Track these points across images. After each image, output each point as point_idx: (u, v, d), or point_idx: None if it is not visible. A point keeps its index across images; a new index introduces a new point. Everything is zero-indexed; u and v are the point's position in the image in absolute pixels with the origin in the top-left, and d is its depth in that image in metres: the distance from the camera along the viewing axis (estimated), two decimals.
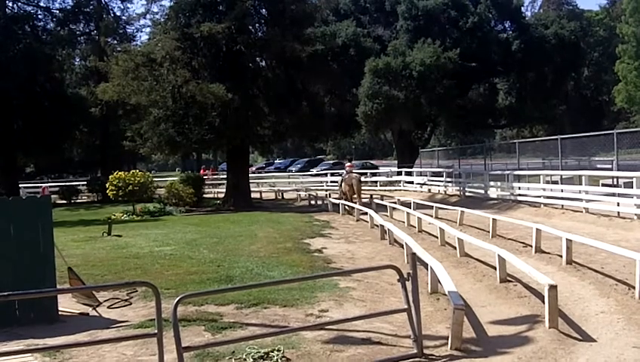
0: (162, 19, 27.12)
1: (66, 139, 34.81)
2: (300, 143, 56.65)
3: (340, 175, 28.12)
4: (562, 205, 17.92)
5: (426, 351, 5.80)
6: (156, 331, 5.18)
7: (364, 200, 23.12)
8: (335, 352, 5.94)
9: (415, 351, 5.78)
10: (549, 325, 6.39)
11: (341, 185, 23.74)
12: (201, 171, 41.91)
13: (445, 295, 7.20)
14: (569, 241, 9.96)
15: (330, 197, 25.81)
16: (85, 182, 37.80)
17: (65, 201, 34.42)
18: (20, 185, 35.10)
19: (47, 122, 30.06)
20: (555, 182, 19.99)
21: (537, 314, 6.96)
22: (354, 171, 25.11)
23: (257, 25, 27.40)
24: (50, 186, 37.08)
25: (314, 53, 26.31)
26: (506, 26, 36.57)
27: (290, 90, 26.31)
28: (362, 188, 23.82)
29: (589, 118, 45.23)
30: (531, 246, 11.52)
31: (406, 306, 5.92)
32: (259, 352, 5.79)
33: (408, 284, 5.89)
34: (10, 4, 33.82)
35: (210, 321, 7.01)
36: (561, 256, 10.10)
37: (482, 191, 24.75)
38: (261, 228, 16.99)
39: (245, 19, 25.33)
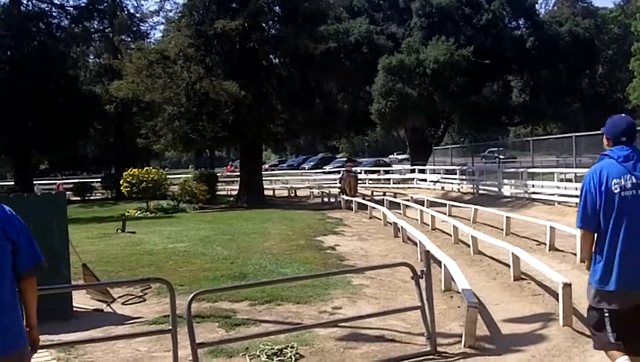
0: (176, 17, 27.24)
1: (80, 137, 35.00)
2: (313, 141, 56.62)
3: (340, 173, 31.82)
4: (576, 203, 17.76)
5: (439, 349, 5.78)
6: (170, 327, 5.20)
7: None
8: (348, 349, 5.94)
9: (429, 348, 5.76)
10: (563, 323, 6.34)
11: (341, 182, 27.49)
12: (229, 167, 41.82)
13: (459, 293, 7.18)
14: None
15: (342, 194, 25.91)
16: (99, 179, 38.03)
17: (79, 198, 34.65)
18: (35, 182, 35.39)
19: (61, 119, 30.24)
20: (570, 180, 19.85)
21: (551, 312, 6.91)
22: (352, 170, 29.23)
23: (271, 22, 27.44)
24: (65, 183, 37.35)
25: (327, 51, 26.30)
26: (520, 23, 36.30)
27: (303, 88, 26.33)
28: (375, 185, 25.13)
29: (604, 116, 44.59)
30: (545, 244, 11.45)
31: (419, 304, 5.90)
32: (272, 349, 5.79)
33: (422, 282, 5.87)
34: (25, 1, 34.05)
35: (223, 318, 7.03)
36: (575, 254, 10.02)
37: (496, 189, 24.64)
38: (274, 225, 17.01)
39: (259, 17, 25.35)
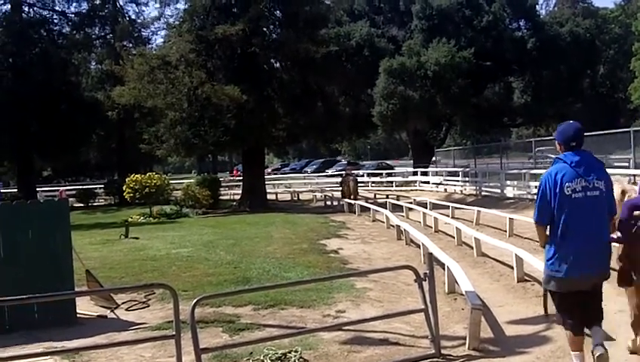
0: (177, 22, 27.28)
1: (83, 143, 35.05)
2: (315, 144, 56.70)
3: (341, 176, 32.76)
4: None
5: (443, 351, 5.78)
6: (174, 333, 5.21)
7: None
8: (352, 353, 5.94)
9: (433, 351, 5.76)
10: None
11: (342, 185, 28.02)
12: (235, 172, 41.86)
13: (462, 295, 7.17)
14: None
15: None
16: (102, 185, 38.07)
17: (82, 204, 34.65)
18: (38, 189, 35.43)
19: (63, 126, 30.29)
20: None
21: (555, 314, 6.90)
22: (352, 173, 30.52)
23: (272, 26, 27.46)
24: (68, 189, 37.37)
25: (328, 54, 26.32)
26: (521, 24, 36.33)
27: (304, 91, 26.34)
28: (378, 188, 25.59)
29: (606, 116, 44.69)
30: None
31: (423, 306, 5.90)
32: (276, 353, 5.80)
33: (425, 284, 5.87)
34: (27, 8, 34.18)
35: (227, 322, 7.03)
36: None
37: (499, 191, 24.62)
38: (277, 229, 17.00)
39: (260, 21, 25.39)
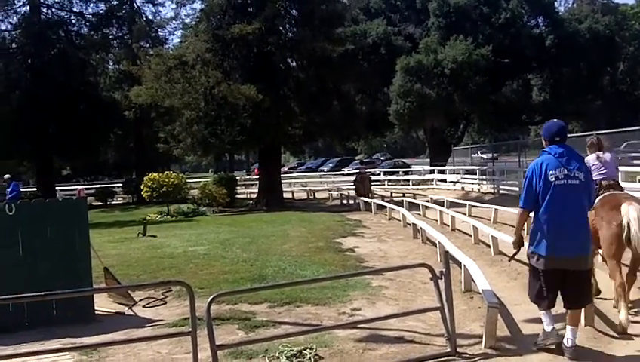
0: (193, 22, 27.40)
1: (101, 142, 35.38)
2: (331, 143, 56.73)
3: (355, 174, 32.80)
4: None
5: (459, 350, 5.75)
6: (190, 329, 5.24)
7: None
8: (368, 351, 5.93)
9: (448, 349, 5.74)
10: (584, 323, 6.26)
11: (355, 184, 28.34)
12: (256, 171, 41.93)
13: (479, 293, 7.13)
14: None
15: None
16: (121, 184, 38.35)
17: (101, 203, 34.96)
18: (57, 188, 35.79)
19: (82, 125, 30.59)
20: None
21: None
22: (365, 171, 30.58)
23: (288, 25, 27.46)
24: (87, 188, 37.69)
25: (344, 53, 26.32)
26: (539, 21, 36.05)
27: (320, 90, 26.32)
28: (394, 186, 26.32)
29: (626, 113, 44.22)
30: None
31: (439, 304, 5.88)
32: (292, 350, 5.81)
33: (441, 283, 5.85)
34: (45, 10, 34.53)
35: (243, 320, 7.06)
36: (598, 253, 9.88)
37: (517, 189, 24.43)
38: (293, 227, 17.02)
39: (276, 20, 25.41)
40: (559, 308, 5.72)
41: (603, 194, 6.92)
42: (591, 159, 7.25)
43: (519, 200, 5.74)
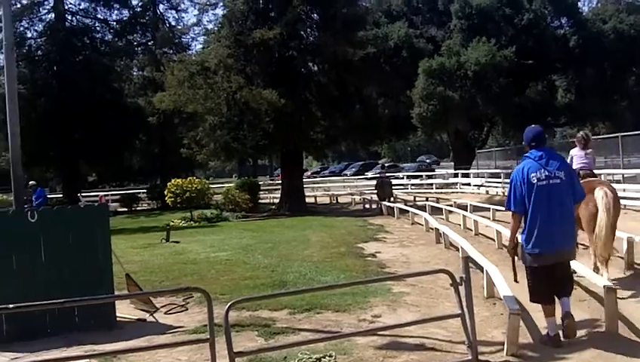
0: (215, 28, 27.58)
1: (126, 148, 35.76)
2: (354, 147, 56.64)
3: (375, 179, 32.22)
4: (624, 205, 17.23)
5: (481, 357, 5.66)
6: (209, 336, 5.23)
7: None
8: (388, 358, 5.87)
9: (469, 357, 5.64)
10: (607, 329, 6.15)
11: (376, 188, 27.57)
12: (279, 176, 42.10)
13: (502, 299, 7.03)
14: (630, 243, 9.55)
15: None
16: (145, 190, 38.67)
17: (126, 209, 35.27)
18: (83, 194, 36.20)
19: (107, 132, 30.95)
20: (617, 181, 19.29)
21: (597, 319, 6.71)
22: (384, 176, 29.84)
23: (309, 30, 27.51)
24: (112, 194, 38.09)
25: (366, 56, 26.26)
26: (563, 21, 35.65)
27: (342, 94, 26.31)
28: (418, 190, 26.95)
29: None
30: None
31: (459, 311, 5.80)
32: (311, 358, 5.77)
33: (461, 289, 5.77)
34: (69, 17, 35.03)
35: (263, 326, 7.04)
36: (622, 258, 9.71)
37: None
38: (315, 232, 17.00)
39: (297, 25, 25.48)
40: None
41: (581, 182, 7.61)
42: (576, 150, 9.05)
43: (505, 205, 6.22)
